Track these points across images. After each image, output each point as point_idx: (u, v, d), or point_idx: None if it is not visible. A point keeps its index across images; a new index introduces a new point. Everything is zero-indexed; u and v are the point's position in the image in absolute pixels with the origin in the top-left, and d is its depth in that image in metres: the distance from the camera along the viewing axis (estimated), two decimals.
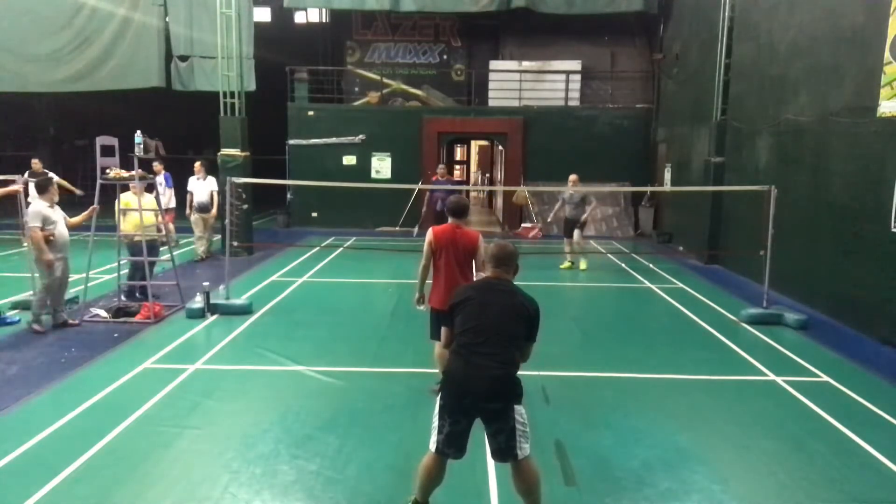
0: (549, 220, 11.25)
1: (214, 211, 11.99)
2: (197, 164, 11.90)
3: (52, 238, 7.33)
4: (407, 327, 7.68)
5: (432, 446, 3.60)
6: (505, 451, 3.52)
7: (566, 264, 11.75)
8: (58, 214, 7.46)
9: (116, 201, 8.26)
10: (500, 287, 3.70)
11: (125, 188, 8.39)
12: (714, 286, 10.54)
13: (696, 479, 4.33)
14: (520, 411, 3.51)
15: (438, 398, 3.60)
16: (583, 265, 11.73)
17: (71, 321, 7.48)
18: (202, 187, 11.86)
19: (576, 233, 11.50)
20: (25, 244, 12.62)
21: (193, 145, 21.80)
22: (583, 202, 11.58)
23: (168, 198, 12.41)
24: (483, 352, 3.49)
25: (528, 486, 3.59)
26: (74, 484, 4.14)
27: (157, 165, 11.72)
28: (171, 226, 11.74)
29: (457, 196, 5.56)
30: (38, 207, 7.28)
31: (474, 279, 5.15)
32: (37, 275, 7.57)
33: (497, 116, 17.60)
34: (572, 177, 11.69)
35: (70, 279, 7.82)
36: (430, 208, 13.04)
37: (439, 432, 3.56)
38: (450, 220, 5.42)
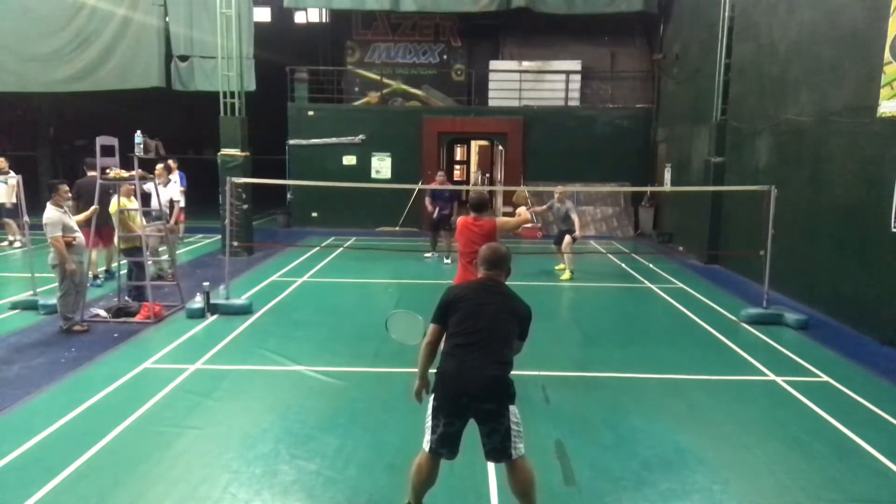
0: (538, 210, 10.95)
1: (173, 222, 10.36)
2: (159, 168, 10.02)
3: (73, 243, 7.33)
4: None
5: (426, 445, 3.60)
6: (500, 451, 3.52)
7: (566, 275, 11.06)
8: (69, 218, 7.42)
9: (116, 200, 8.20)
10: (494, 289, 3.71)
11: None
12: (714, 286, 10.54)
13: (696, 479, 4.33)
14: (514, 411, 3.53)
15: (432, 398, 3.60)
16: (565, 275, 11.00)
17: (79, 327, 7.47)
18: (162, 194, 9.79)
19: (566, 238, 11.05)
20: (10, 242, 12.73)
21: (193, 145, 21.81)
22: (568, 217, 11.15)
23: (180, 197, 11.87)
24: (478, 352, 3.49)
25: (524, 486, 3.59)
26: (74, 484, 4.14)
27: (171, 163, 11.20)
28: (182, 225, 11.47)
29: (477, 191, 6.30)
30: (55, 214, 7.21)
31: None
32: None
33: (497, 116, 17.60)
34: (558, 188, 11.39)
35: None
36: (429, 215, 12.90)
37: (433, 432, 3.56)
38: (471, 214, 5.91)
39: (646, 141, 17.37)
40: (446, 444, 3.55)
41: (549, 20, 16.95)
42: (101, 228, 8.90)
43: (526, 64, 18.25)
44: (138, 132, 8.02)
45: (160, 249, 9.56)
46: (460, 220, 6.08)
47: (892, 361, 6.82)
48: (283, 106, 17.33)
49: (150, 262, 8.57)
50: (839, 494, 4.19)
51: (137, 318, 7.88)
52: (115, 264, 9.45)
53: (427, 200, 12.83)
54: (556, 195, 11.30)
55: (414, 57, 19.49)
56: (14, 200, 12.11)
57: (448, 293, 3.74)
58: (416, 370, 3.77)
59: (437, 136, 17.41)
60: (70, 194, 7.55)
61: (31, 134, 21.90)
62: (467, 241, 5.79)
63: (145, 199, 8.91)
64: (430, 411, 3.59)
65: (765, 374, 6.40)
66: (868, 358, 6.91)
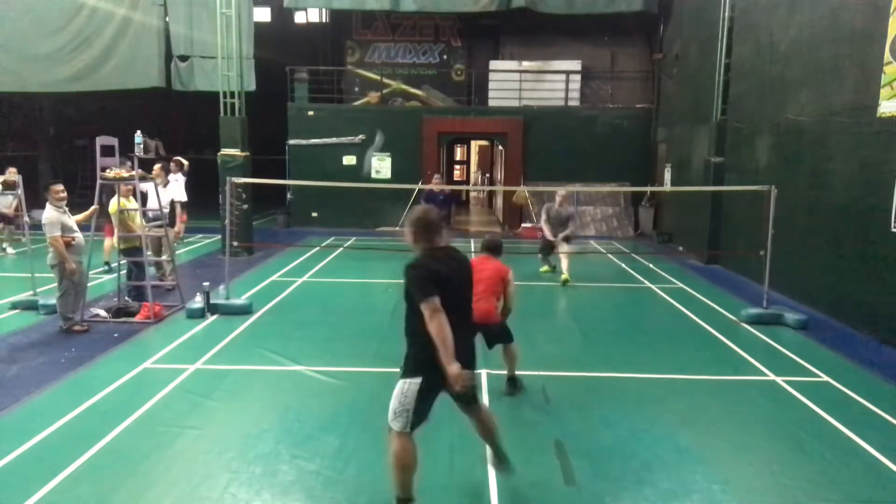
0: (540, 223, 10.56)
1: (179, 226, 10.23)
2: (156, 168, 9.63)
3: (72, 243, 7.31)
4: None
5: (405, 428, 3.63)
6: (470, 397, 3.87)
7: (564, 276, 10.52)
8: (69, 217, 7.40)
9: (116, 200, 8.18)
10: (455, 254, 3.86)
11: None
12: (714, 286, 10.54)
13: (696, 479, 4.33)
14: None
15: (419, 381, 3.59)
16: (564, 276, 10.49)
17: (79, 327, 7.47)
18: (163, 194, 9.46)
19: (569, 245, 10.71)
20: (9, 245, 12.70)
21: (193, 145, 21.81)
22: (568, 221, 10.74)
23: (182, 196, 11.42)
24: (465, 327, 3.72)
25: (491, 426, 3.98)
26: (74, 484, 4.14)
27: (179, 161, 11.19)
28: (182, 225, 11.40)
29: (493, 234, 6.34)
30: (54, 214, 7.20)
31: (497, 305, 5.39)
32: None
33: (497, 116, 17.59)
34: (561, 191, 10.96)
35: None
36: None
37: (415, 414, 3.62)
38: (483, 253, 5.66)
39: (646, 141, 17.37)
40: (421, 418, 3.67)
41: (548, 20, 16.94)
42: (105, 224, 9.38)
43: (526, 64, 18.25)
44: (138, 132, 8.02)
45: (147, 254, 9.50)
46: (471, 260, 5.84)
47: (893, 361, 6.82)
48: (283, 106, 17.34)
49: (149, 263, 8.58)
50: (839, 494, 4.19)
51: (137, 318, 7.88)
52: (114, 264, 9.46)
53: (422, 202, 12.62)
54: (559, 198, 10.90)
55: (414, 57, 19.50)
56: (13, 212, 12.13)
57: (429, 267, 3.55)
58: (443, 354, 3.38)
59: (437, 136, 17.41)
60: (64, 194, 7.49)
61: (31, 134, 21.92)
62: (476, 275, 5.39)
63: (143, 199, 8.86)
64: (414, 395, 3.60)
65: (765, 374, 6.40)
66: (868, 358, 6.91)
